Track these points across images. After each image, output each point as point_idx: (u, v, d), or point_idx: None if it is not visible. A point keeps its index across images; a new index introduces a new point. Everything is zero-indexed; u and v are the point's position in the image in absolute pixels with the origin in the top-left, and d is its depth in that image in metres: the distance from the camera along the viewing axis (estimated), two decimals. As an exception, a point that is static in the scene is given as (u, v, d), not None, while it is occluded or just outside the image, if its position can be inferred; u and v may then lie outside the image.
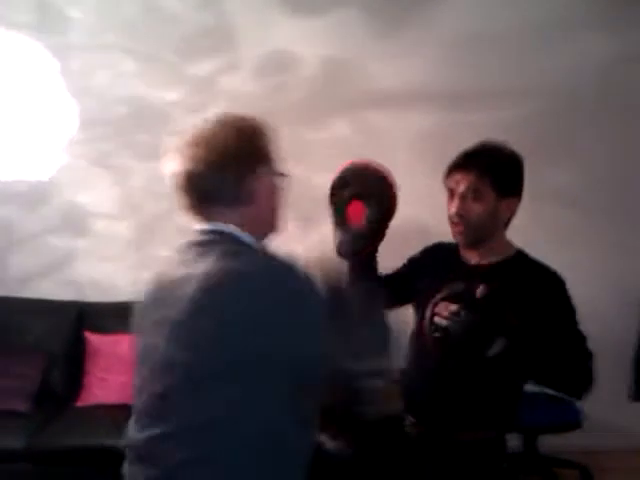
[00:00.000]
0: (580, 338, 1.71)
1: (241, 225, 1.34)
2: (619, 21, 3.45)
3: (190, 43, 3.59)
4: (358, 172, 1.85)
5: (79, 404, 3.29)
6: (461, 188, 1.70)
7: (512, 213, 1.76)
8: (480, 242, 1.75)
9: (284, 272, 1.25)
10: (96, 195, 3.75)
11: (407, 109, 3.50)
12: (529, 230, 3.38)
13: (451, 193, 1.74)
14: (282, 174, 1.43)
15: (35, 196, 3.74)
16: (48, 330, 3.50)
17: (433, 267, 1.89)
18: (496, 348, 1.49)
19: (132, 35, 3.62)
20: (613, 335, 3.41)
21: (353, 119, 3.55)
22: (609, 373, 3.45)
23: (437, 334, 1.59)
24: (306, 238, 3.30)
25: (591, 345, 3.26)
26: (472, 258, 1.80)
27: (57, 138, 3.72)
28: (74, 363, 3.42)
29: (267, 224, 1.43)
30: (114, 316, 3.46)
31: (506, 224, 1.78)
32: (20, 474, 3.03)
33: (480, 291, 1.53)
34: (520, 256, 1.78)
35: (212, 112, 3.57)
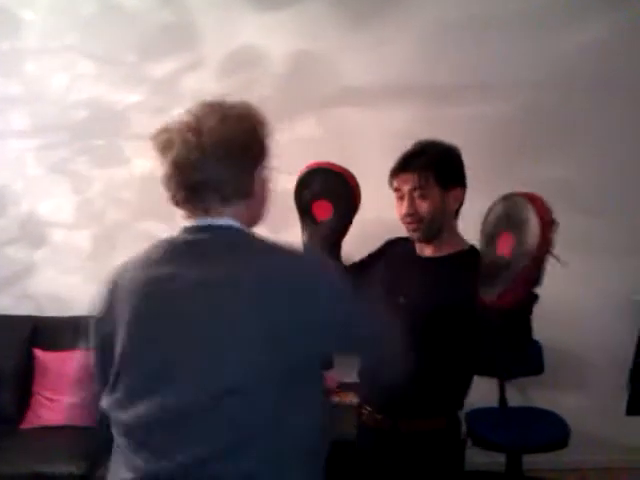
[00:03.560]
0: None
1: (237, 217, 1.26)
2: (614, 6, 3.19)
3: (150, 42, 3.41)
4: (318, 172, 1.94)
5: (24, 427, 3.06)
6: (406, 189, 1.79)
7: (460, 203, 1.85)
8: (435, 236, 1.83)
9: (325, 264, 1.28)
10: (54, 204, 3.56)
11: (381, 105, 3.28)
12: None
13: (398, 195, 1.83)
14: (273, 168, 1.36)
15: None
16: (-2, 347, 3.27)
17: (390, 260, 1.98)
18: None
19: (89, 36, 3.44)
20: (607, 345, 3.23)
21: (323, 117, 3.33)
22: (601, 385, 3.24)
23: None
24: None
25: (585, 355, 3.10)
26: (426, 252, 1.88)
27: (12, 145, 3.54)
28: (24, 382, 3.19)
29: (257, 218, 1.36)
30: (70, 332, 3.23)
31: (456, 214, 1.87)
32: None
33: None
34: (473, 250, 1.80)
35: (175, 113, 3.41)
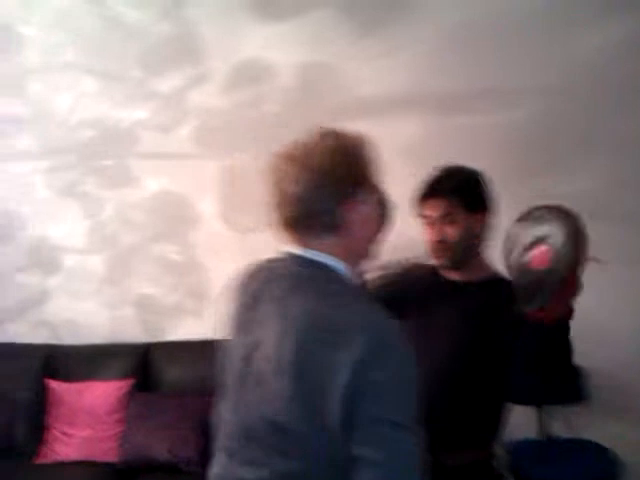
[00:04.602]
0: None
1: (334, 253, 1.26)
2: (637, 4, 2.92)
3: (155, 57, 3.29)
4: None
5: (38, 461, 2.96)
6: (435, 215, 1.78)
7: (486, 227, 1.82)
8: (462, 262, 1.81)
9: (385, 328, 1.18)
10: (65, 228, 3.47)
11: (394, 115, 3.10)
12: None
13: (425, 222, 1.82)
14: (383, 199, 1.37)
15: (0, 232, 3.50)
16: (12, 377, 3.17)
17: (415, 286, 1.94)
18: None
19: (91, 52, 3.34)
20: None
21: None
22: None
23: None
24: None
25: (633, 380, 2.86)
26: (454, 276, 1.85)
27: (20, 168, 3.45)
28: (38, 414, 3.09)
29: (360, 253, 1.34)
30: (86, 361, 3.19)
31: (483, 239, 1.84)
32: None
33: None
34: (500, 276, 1.79)
35: (182, 129, 3.31)
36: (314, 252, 1.26)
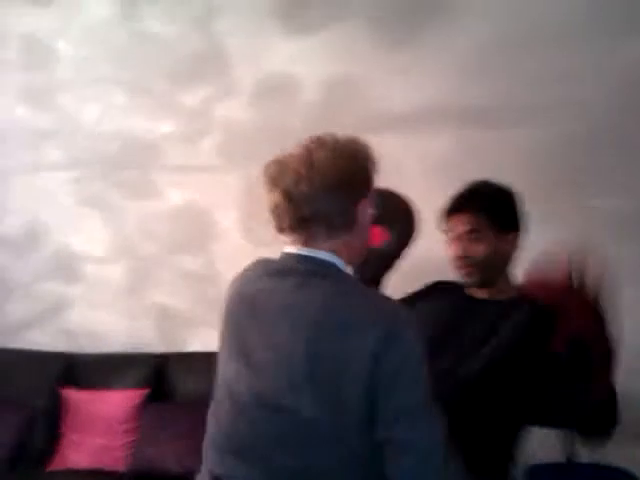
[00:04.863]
0: None
1: (337, 251, 1.29)
2: None
3: (182, 70, 3.33)
4: (380, 197, 1.85)
5: (51, 469, 2.94)
6: (460, 230, 1.73)
7: (515, 248, 1.77)
8: (490, 281, 1.76)
9: (399, 320, 1.20)
10: (87, 238, 3.51)
11: (422, 130, 3.06)
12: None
13: (451, 236, 1.77)
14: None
15: (24, 241, 3.58)
16: (30, 384, 3.19)
17: (437, 305, 1.86)
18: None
19: (121, 65, 3.41)
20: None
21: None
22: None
23: None
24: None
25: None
26: (479, 295, 1.79)
27: (46, 179, 3.53)
28: (54, 422, 3.08)
29: (360, 251, 1.37)
30: (102, 370, 3.19)
31: (511, 259, 1.78)
32: None
33: None
34: (528, 298, 1.73)
35: (207, 142, 3.30)
36: (317, 251, 1.27)
